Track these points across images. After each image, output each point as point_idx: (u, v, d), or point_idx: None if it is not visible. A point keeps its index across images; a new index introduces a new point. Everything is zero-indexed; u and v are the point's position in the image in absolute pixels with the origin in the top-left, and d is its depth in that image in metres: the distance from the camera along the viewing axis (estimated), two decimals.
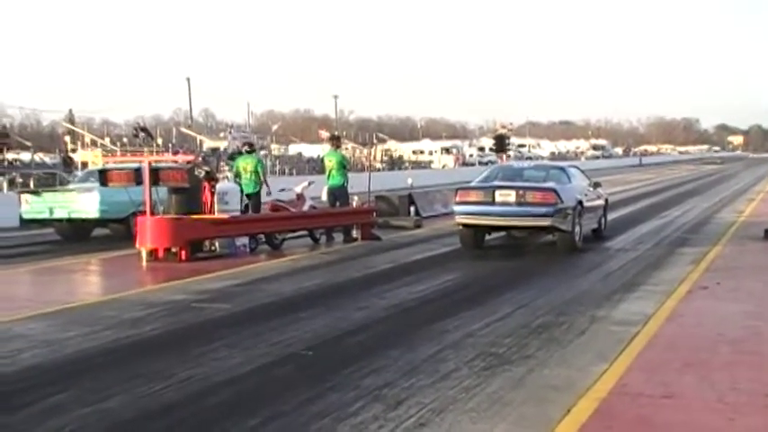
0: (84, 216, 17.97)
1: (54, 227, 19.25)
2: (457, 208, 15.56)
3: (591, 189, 16.72)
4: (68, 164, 34.53)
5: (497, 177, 16.04)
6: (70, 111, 47.20)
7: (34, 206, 18.78)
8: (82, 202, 17.94)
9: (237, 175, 16.95)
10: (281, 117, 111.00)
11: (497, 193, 15.04)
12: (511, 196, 14.90)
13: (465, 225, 15.51)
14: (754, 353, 7.30)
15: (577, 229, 15.12)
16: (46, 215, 18.52)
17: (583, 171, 17.80)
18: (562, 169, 16.81)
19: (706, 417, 5.61)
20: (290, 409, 5.91)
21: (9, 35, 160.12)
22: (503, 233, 16.70)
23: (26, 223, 20.29)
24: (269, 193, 17.27)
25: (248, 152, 17.65)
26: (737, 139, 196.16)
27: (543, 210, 14.64)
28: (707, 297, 10.17)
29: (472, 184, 16.24)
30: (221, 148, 40.56)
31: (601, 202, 17.45)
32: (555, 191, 14.84)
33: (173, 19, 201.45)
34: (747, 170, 67.61)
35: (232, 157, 20.09)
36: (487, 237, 16.17)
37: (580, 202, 15.31)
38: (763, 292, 10.51)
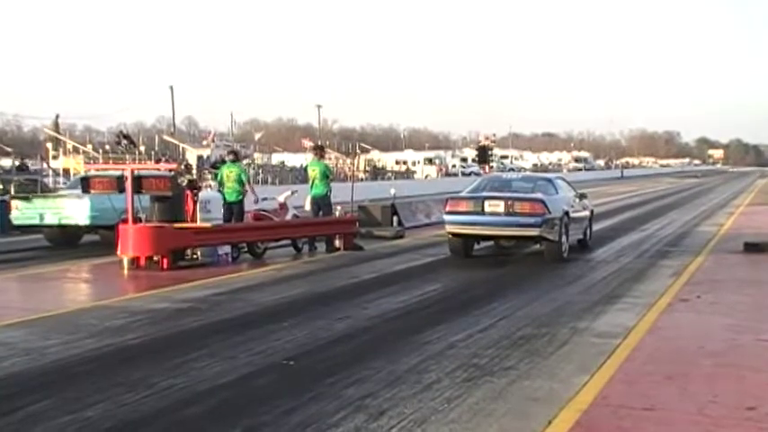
0: (74, 222, 17.97)
1: (44, 233, 19.28)
2: (447, 217, 15.72)
3: (577, 200, 16.99)
4: (24, 169, 34.27)
5: (486, 188, 16.28)
6: (56, 117, 46.83)
7: (25, 212, 18.77)
8: (72, 209, 17.92)
9: (221, 184, 16.92)
10: (265, 126, 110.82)
11: (487, 203, 15.24)
12: (500, 206, 15.10)
13: (455, 234, 15.68)
14: (734, 365, 7.35)
15: (564, 239, 15.30)
16: (36, 221, 18.53)
17: (569, 182, 17.98)
18: (549, 180, 17.06)
19: (686, 429, 5.65)
20: (271, 420, 5.90)
21: None
22: (491, 242, 16.81)
23: (9, 230, 20.28)
24: (256, 201, 17.27)
25: (232, 161, 17.63)
26: (718, 153, 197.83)
27: (532, 220, 14.84)
28: (687, 310, 10.24)
29: (462, 194, 16.42)
30: (204, 156, 40.42)
31: (586, 213, 17.67)
32: (543, 201, 15.04)
33: (156, 27, 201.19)
34: (727, 184, 68.11)
35: (215, 165, 20.05)
36: (476, 246, 16.28)
37: (567, 213, 15.54)
38: (744, 304, 10.57)
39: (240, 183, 16.82)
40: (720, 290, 11.79)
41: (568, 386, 6.65)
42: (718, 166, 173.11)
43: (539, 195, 15.43)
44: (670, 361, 7.53)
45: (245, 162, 50.48)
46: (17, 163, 35.91)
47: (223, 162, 18.15)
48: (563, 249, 15.31)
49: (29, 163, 40.95)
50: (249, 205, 17.27)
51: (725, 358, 7.64)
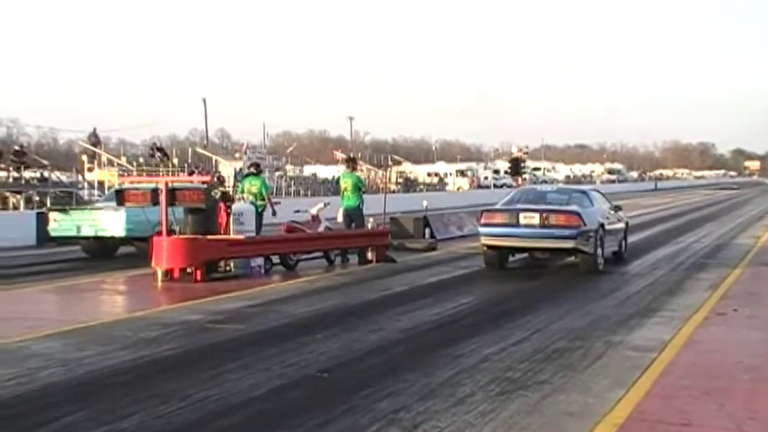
0: (110, 234, 18.26)
1: (80, 244, 19.62)
2: (482, 229, 15.72)
3: (612, 212, 16.91)
4: (42, 180, 34.84)
5: (521, 200, 16.26)
6: (94, 129, 47.10)
7: (62, 224, 19.09)
8: (108, 221, 18.18)
9: (254, 196, 17.07)
10: (297, 138, 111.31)
11: (522, 215, 15.23)
12: (535, 219, 15.08)
13: (490, 246, 15.66)
14: None
15: (599, 251, 15.23)
16: (73, 233, 18.87)
17: (604, 194, 17.88)
18: (584, 193, 16.97)
19: None
20: None
21: (26, 55, 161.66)
22: (525, 255, 16.75)
23: (45, 241, 20.65)
24: (274, 213, 17.34)
25: (254, 174, 17.78)
26: (754, 164, 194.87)
27: (567, 232, 14.78)
28: (724, 323, 10.11)
29: (497, 206, 16.42)
30: (237, 169, 40.77)
31: (621, 225, 17.57)
32: (578, 214, 14.99)
33: (189, 40, 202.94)
34: (763, 196, 67.16)
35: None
36: (510, 258, 16.26)
37: (602, 225, 15.47)
38: None
39: (261, 195, 17.01)
40: (758, 303, 11.63)
41: (604, 401, 6.57)
42: (755, 177, 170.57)
43: (574, 207, 15.36)
44: (707, 376, 7.42)
45: (277, 174, 50.96)
46: (43, 175, 36.45)
47: (250, 174, 18.27)
48: (598, 262, 15.22)
49: (63, 177, 41.45)
50: (279, 217, 17.39)
51: (763, 373, 7.52)
